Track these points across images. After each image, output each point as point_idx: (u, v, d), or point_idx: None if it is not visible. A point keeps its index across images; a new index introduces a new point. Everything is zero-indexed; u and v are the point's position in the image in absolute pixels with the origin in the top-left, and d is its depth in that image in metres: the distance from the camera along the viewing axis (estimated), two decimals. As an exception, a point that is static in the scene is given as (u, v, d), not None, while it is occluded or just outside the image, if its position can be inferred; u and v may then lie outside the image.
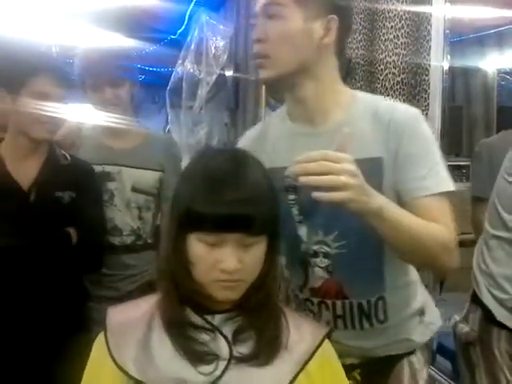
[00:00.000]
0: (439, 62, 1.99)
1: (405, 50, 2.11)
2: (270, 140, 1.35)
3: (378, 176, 1.20)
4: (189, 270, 0.98)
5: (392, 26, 2.16)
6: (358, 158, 1.03)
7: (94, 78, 2.00)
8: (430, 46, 2.00)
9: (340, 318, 1.32)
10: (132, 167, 2.07)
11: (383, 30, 2.21)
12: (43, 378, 1.61)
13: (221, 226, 0.93)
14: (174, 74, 4.49)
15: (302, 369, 0.99)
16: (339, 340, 1.28)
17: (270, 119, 1.44)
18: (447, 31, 1.97)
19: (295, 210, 1.27)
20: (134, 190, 2.08)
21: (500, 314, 1.74)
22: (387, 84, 2.19)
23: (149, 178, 2.11)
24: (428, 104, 2.04)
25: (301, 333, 1.03)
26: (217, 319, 1.00)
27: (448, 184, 1.20)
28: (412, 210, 1.14)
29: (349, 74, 2.15)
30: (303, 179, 0.98)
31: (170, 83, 4.47)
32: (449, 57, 1.99)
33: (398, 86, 2.14)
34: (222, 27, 4.30)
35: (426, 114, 2.01)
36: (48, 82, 1.67)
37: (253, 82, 3.90)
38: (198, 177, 0.99)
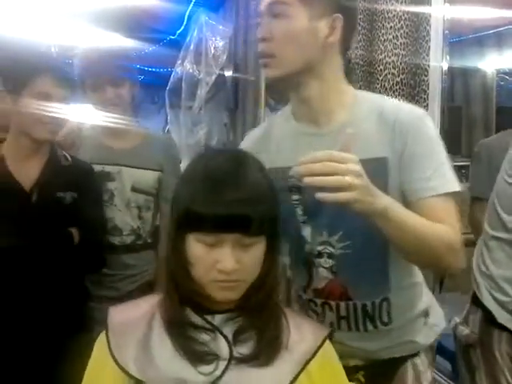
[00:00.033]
0: (438, 62, 1.99)
1: (404, 50, 2.12)
2: (274, 140, 1.34)
3: (383, 176, 1.19)
4: (188, 271, 0.98)
5: (391, 27, 2.16)
6: (362, 158, 1.03)
7: (94, 77, 2.00)
8: (429, 47, 2.01)
9: (344, 320, 1.31)
10: (132, 167, 2.08)
11: (382, 31, 2.21)
12: (44, 377, 1.61)
13: (218, 226, 0.93)
14: (173, 74, 4.49)
15: (302, 369, 0.99)
16: (343, 341, 1.29)
17: (274, 119, 1.43)
18: (446, 32, 1.97)
19: (299, 211, 1.26)
20: (134, 189, 2.09)
21: (501, 316, 1.72)
22: (386, 84, 2.19)
23: (148, 177, 2.12)
24: (427, 104, 2.05)
25: (301, 333, 1.03)
26: (217, 319, 1.00)
27: (453, 184, 1.19)
28: (417, 210, 1.14)
29: (348, 75, 2.15)
30: (308, 180, 0.97)
31: (169, 83, 4.47)
32: (448, 57, 1.99)
33: (398, 87, 2.15)
34: (221, 27, 4.30)
35: (426, 114, 2.00)
36: (50, 82, 1.67)
37: (252, 82, 3.90)
38: (196, 177, 1.00)
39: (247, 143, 1.40)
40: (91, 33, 3.70)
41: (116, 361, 0.97)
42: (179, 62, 4.41)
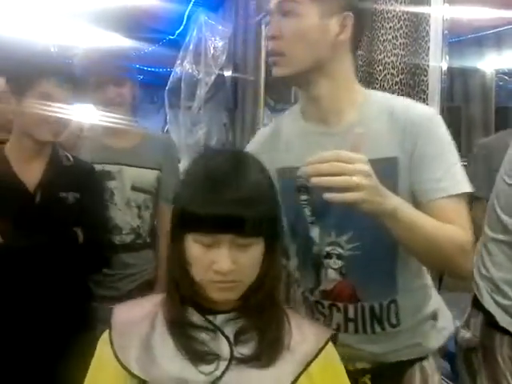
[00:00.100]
0: (438, 62, 1.98)
1: (403, 50, 2.12)
2: (283, 139, 1.32)
3: (393, 177, 1.18)
4: (188, 271, 0.98)
5: (391, 27, 2.17)
6: (372, 158, 1.01)
7: (96, 77, 2.01)
8: (428, 47, 2.00)
9: (351, 322, 1.29)
10: (132, 166, 2.09)
11: (382, 31, 2.21)
12: (48, 375, 1.61)
13: (213, 226, 0.92)
14: (172, 74, 4.50)
15: (303, 370, 0.98)
16: (350, 344, 1.27)
17: (283, 118, 1.41)
18: (446, 32, 1.96)
19: (307, 211, 1.24)
20: (134, 188, 2.09)
21: (503, 319, 1.68)
22: (386, 85, 2.19)
23: (148, 177, 2.13)
24: (427, 104, 2.04)
25: (303, 334, 1.03)
26: (219, 319, 1.00)
27: (464, 185, 1.17)
28: (428, 211, 1.12)
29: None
30: (315, 180, 0.96)
31: (168, 83, 4.48)
32: (447, 57, 1.99)
33: (397, 87, 2.15)
34: (220, 27, 4.30)
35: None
36: (54, 84, 1.67)
37: (251, 82, 3.90)
38: (193, 178, 1.00)
39: (256, 143, 1.39)
40: (90, 33, 3.70)
41: (119, 360, 0.97)
42: (178, 61, 4.42)
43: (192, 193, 0.96)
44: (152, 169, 2.14)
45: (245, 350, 0.98)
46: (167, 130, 4.65)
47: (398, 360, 1.31)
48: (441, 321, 1.36)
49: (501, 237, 1.72)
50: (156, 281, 2.13)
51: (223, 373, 0.95)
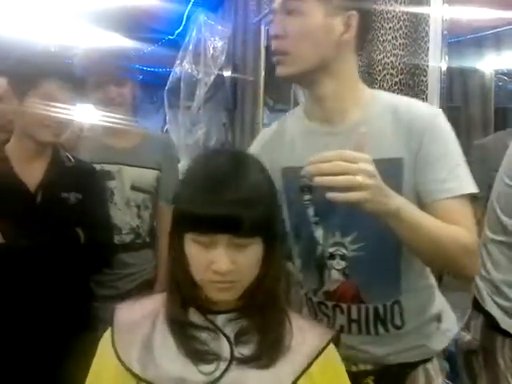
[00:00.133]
0: (437, 62, 1.98)
1: (403, 50, 2.12)
2: (287, 139, 1.31)
3: (397, 177, 1.17)
4: (188, 271, 0.98)
5: (390, 27, 2.17)
6: (377, 158, 1.01)
7: (96, 77, 2.01)
8: (428, 47, 2.01)
9: (355, 323, 1.28)
10: (131, 166, 2.09)
11: (381, 31, 2.21)
12: (49, 375, 1.61)
13: (210, 226, 0.92)
14: (172, 74, 4.49)
15: (303, 371, 0.98)
16: (353, 345, 1.27)
17: (287, 117, 1.40)
18: (445, 32, 1.96)
19: (311, 211, 1.23)
20: (133, 188, 2.10)
21: (504, 321, 1.67)
22: (385, 85, 2.20)
23: (148, 176, 2.13)
24: (426, 105, 2.05)
25: (304, 335, 1.02)
26: (220, 319, 1.00)
27: (469, 186, 1.16)
28: (432, 212, 1.11)
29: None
30: (318, 179, 0.96)
31: (168, 83, 4.47)
32: (447, 58, 1.99)
33: (396, 87, 2.15)
34: (220, 28, 4.31)
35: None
36: (56, 84, 1.67)
37: (251, 82, 3.91)
38: (193, 177, 1.00)
39: (260, 142, 1.38)
40: (90, 33, 3.70)
41: (120, 359, 0.97)
42: (178, 61, 4.41)
43: (191, 192, 0.96)
44: (151, 169, 2.14)
45: (245, 350, 0.98)
46: (166, 130, 4.64)
47: (402, 362, 1.29)
48: (445, 322, 1.34)
49: (501, 238, 1.71)
50: (155, 280, 2.14)
51: (223, 373, 0.95)
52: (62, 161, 1.80)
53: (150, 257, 2.17)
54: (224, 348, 0.97)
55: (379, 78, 2.22)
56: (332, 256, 1.26)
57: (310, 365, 0.99)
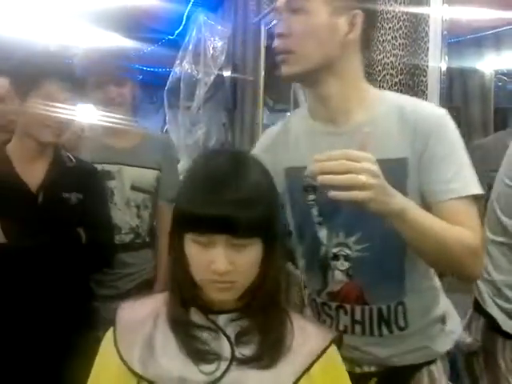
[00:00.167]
0: (437, 63, 1.98)
1: (403, 51, 2.12)
2: (291, 138, 1.30)
3: (401, 177, 1.16)
4: (188, 271, 0.98)
5: (390, 27, 2.17)
6: (381, 158, 1.00)
7: (96, 77, 2.01)
8: (427, 47, 2.00)
9: (358, 324, 1.27)
10: (131, 166, 2.09)
11: (381, 31, 2.21)
12: (51, 374, 1.61)
13: (207, 226, 0.92)
14: (171, 74, 4.49)
15: (304, 372, 0.98)
16: (357, 346, 1.27)
17: (291, 117, 1.39)
18: (445, 32, 1.96)
19: (315, 211, 1.23)
20: (133, 188, 2.10)
21: (505, 323, 1.67)
22: (385, 85, 2.19)
23: (148, 176, 2.13)
24: (426, 105, 2.05)
25: (306, 336, 1.02)
26: (221, 319, 1.00)
27: (475, 187, 1.15)
28: (437, 213, 1.11)
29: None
30: (321, 178, 0.95)
31: (167, 83, 4.47)
32: (446, 58, 1.99)
33: (396, 87, 2.15)
34: (219, 27, 4.30)
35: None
36: (57, 85, 1.67)
37: (251, 82, 3.91)
38: (193, 178, 1.00)
39: (263, 142, 1.38)
40: (90, 32, 3.70)
41: (122, 358, 0.97)
42: (178, 61, 4.41)
43: (190, 192, 0.97)
44: (151, 169, 2.15)
45: (246, 350, 0.98)
46: (166, 130, 4.64)
47: (406, 364, 1.29)
48: (449, 324, 1.34)
49: (501, 239, 1.70)
50: (155, 280, 2.14)
51: (224, 373, 0.95)
52: (63, 161, 1.81)
53: (149, 256, 2.18)
54: (225, 348, 0.97)
55: (379, 79, 2.22)
56: (336, 256, 1.25)
57: (310, 366, 0.98)
